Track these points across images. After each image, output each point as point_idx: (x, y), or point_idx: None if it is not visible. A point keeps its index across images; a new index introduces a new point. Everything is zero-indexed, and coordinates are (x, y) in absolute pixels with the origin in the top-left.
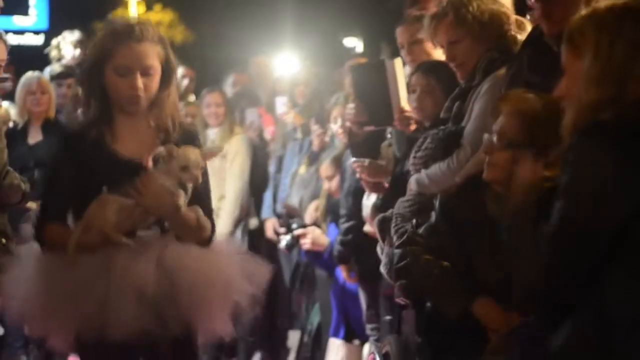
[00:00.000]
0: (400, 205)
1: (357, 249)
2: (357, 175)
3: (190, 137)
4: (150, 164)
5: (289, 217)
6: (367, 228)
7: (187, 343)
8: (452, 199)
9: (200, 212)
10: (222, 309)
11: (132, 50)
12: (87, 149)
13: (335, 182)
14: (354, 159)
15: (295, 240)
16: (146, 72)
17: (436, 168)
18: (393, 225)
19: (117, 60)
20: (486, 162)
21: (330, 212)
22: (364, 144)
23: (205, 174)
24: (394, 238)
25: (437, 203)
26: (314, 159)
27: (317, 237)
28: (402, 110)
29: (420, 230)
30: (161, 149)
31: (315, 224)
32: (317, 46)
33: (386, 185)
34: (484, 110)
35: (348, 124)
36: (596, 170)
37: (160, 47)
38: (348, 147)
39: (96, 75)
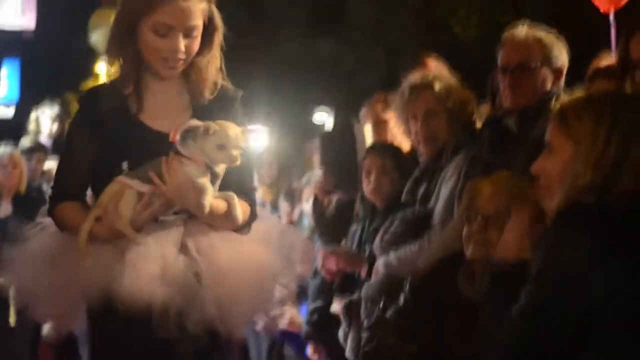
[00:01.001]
0: (368, 288)
1: (324, 329)
2: (322, 263)
3: (228, 102)
4: (177, 138)
5: None
6: (334, 309)
7: (209, 347)
8: (424, 281)
9: (234, 199)
10: (251, 310)
11: (176, 6)
12: (109, 116)
13: (307, 265)
14: (324, 246)
15: (273, 320)
16: (189, 33)
17: (406, 250)
18: (362, 309)
19: (158, 17)
20: (473, 241)
21: (302, 293)
22: (330, 222)
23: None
24: (364, 322)
25: (407, 285)
26: None
27: (294, 316)
28: None
29: (389, 313)
30: (192, 123)
31: (283, 301)
32: (286, 121)
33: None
34: (452, 192)
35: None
36: (568, 255)
37: (206, 3)
38: (314, 222)
39: (128, 31)
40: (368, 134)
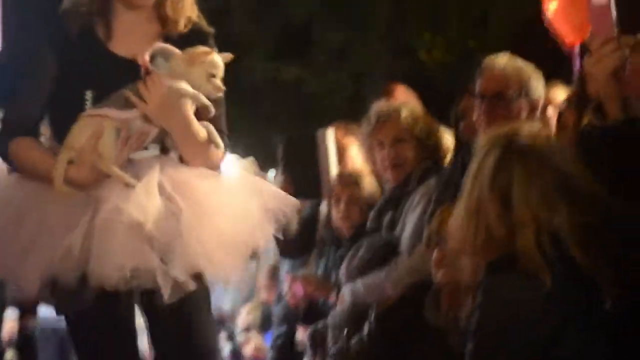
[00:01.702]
0: (334, 315)
1: (288, 355)
2: (288, 288)
3: (202, 38)
4: (146, 60)
5: (218, 323)
6: (299, 337)
7: (194, 290)
8: (391, 308)
9: (212, 128)
10: (237, 249)
11: None
12: (74, 39)
13: (272, 292)
14: (291, 272)
15: (239, 347)
16: None
17: (374, 277)
18: (329, 336)
19: None
20: (443, 267)
21: (267, 320)
22: (294, 241)
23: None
24: (330, 349)
25: (372, 313)
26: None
27: (259, 343)
28: (332, 181)
29: (354, 341)
30: (161, 44)
31: (248, 328)
32: (248, 148)
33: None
34: (420, 218)
35: None
36: (499, 309)
37: None
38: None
39: None
40: (331, 138)
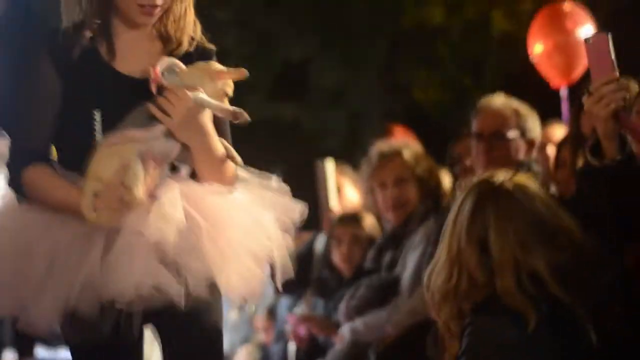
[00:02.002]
0: (333, 355)
1: None
2: (292, 329)
3: (206, 57)
4: (159, 74)
5: None
6: None
7: (209, 304)
8: (391, 347)
9: (227, 143)
10: (253, 262)
11: None
12: (77, 59)
13: (270, 333)
14: (292, 312)
15: None
16: None
17: (374, 316)
18: None
19: None
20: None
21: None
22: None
23: None
24: None
25: (372, 353)
26: (243, 304)
27: None
28: (330, 212)
29: None
30: (170, 59)
31: None
32: None
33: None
34: (421, 258)
35: None
36: (486, 350)
37: None
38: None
39: None
40: (330, 168)
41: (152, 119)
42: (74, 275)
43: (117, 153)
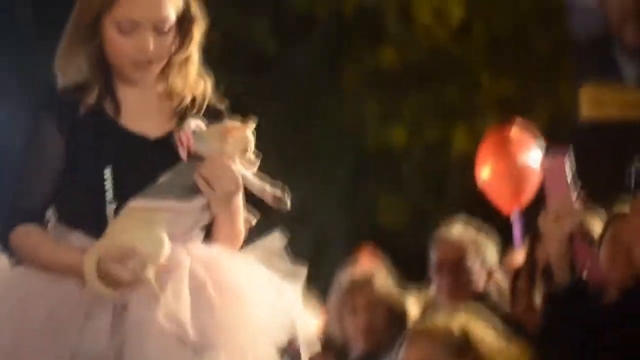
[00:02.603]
0: None
1: None
2: None
3: (217, 117)
4: (189, 136)
5: None
6: None
7: None
8: None
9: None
10: (273, 340)
11: None
12: (85, 119)
13: None
14: None
15: None
16: (160, 28)
17: None
18: None
19: (120, 11)
20: None
21: None
22: None
23: None
24: None
25: None
26: None
27: None
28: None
29: None
30: (195, 122)
31: None
32: None
33: None
34: None
35: None
36: None
37: None
38: None
39: (91, 30)
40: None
41: (191, 188)
42: (67, 347)
43: (143, 219)
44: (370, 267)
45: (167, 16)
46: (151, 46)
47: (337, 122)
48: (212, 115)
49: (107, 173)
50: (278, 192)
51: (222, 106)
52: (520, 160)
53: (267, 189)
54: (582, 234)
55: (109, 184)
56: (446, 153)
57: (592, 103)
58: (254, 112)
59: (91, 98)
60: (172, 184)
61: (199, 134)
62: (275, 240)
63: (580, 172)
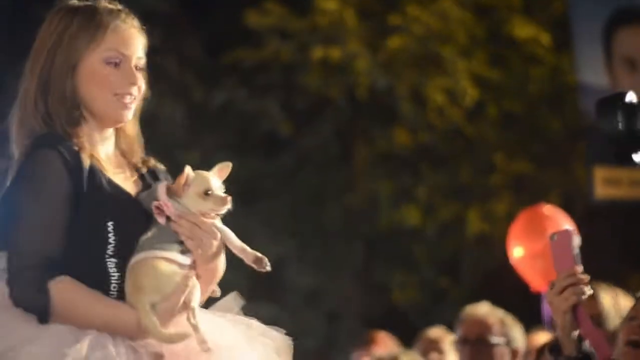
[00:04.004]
0: None
1: None
2: None
3: (162, 173)
4: (171, 208)
5: None
6: None
7: None
8: None
9: None
10: None
11: (124, 32)
12: (83, 173)
13: None
14: None
15: None
16: (138, 65)
17: None
18: None
19: (108, 45)
20: None
21: None
22: None
23: None
24: None
25: None
26: None
27: None
28: None
29: None
30: (164, 184)
31: None
32: None
33: None
34: None
35: None
36: None
37: (144, 39)
38: None
39: (67, 73)
40: None
41: (183, 247)
42: None
43: (178, 272)
44: (389, 350)
45: (142, 55)
46: (138, 77)
47: (350, 203)
48: (156, 176)
49: (110, 227)
50: (259, 254)
51: (162, 167)
52: None
53: (247, 249)
54: (587, 307)
55: (112, 238)
56: (460, 233)
57: (606, 183)
58: (267, 193)
59: (83, 143)
60: (168, 240)
61: (171, 196)
62: (232, 301)
63: (592, 249)
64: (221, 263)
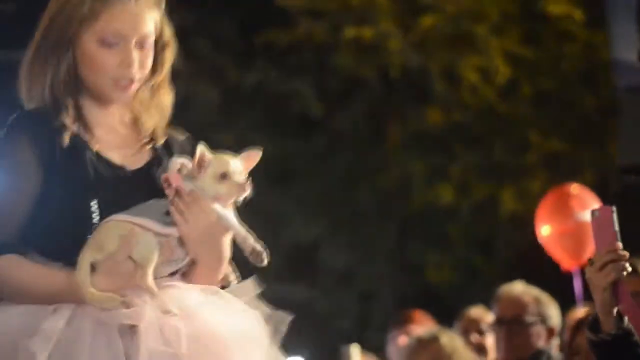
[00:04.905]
0: None
1: None
2: None
3: (187, 145)
4: (178, 181)
5: None
6: None
7: None
8: None
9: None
10: None
11: (127, 10)
12: (62, 147)
13: None
14: None
15: None
16: (143, 43)
17: None
18: None
19: (103, 24)
20: None
21: None
22: None
23: None
24: None
25: None
26: None
27: None
28: None
29: None
30: (179, 160)
31: None
32: None
33: None
34: None
35: None
36: None
37: (157, 11)
38: None
39: (64, 47)
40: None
41: (168, 219)
42: None
43: (122, 228)
44: (436, 329)
45: (149, 32)
46: (136, 60)
47: (383, 182)
48: (183, 149)
49: (94, 206)
50: (258, 247)
51: (184, 138)
52: (582, 217)
53: (249, 240)
54: (627, 284)
55: (96, 217)
56: (494, 212)
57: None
58: (300, 175)
59: (65, 121)
60: (151, 210)
61: (185, 173)
62: (249, 287)
63: (627, 226)
64: (224, 247)
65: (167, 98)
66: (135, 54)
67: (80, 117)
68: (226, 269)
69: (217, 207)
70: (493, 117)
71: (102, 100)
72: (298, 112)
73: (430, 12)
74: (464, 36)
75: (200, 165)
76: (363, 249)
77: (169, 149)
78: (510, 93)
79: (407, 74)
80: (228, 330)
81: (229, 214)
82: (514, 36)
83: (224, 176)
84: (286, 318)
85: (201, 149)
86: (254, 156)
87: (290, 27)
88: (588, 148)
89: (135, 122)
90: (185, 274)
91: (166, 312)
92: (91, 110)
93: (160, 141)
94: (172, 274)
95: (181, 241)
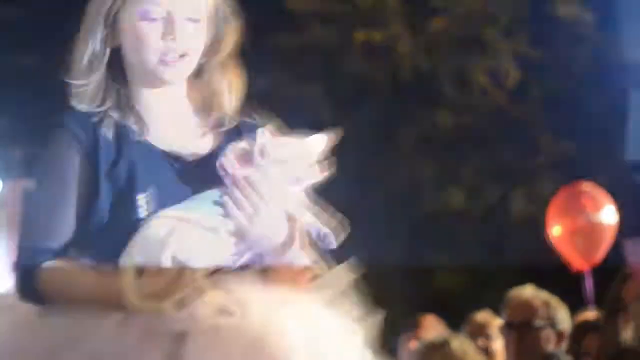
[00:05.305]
0: None
1: None
2: None
3: (244, 132)
4: (235, 167)
5: None
6: None
7: None
8: None
9: None
10: None
11: None
12: (104, 136)
13: None
14: None
15: None
16: (192, 16)
17: None
18: None
19: None
20: None
21: None
22: None
23: None
24: None
25: None
26: None
27: None
28: None
29: None
30: (241, 145)
31: None
32: None
33: None
34: None
35: None
36: None
37: None
38: None
39: (108, 26)
40: None
41: (223, 210)
42: None
43: (170, 224)
44: (442, 331)
45: (199, 4)
46: (181, 34)
47: (393, 185)
48: (246, 130)
49: (142, 200)
50: (325, 229)
51: (254, 120)
52: (593, 217)
53: (316, 224)
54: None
55: (143, 213)
56: (505, 215)
57: None
58: None
59: (112, 110)
60: (205, 202)
61: (248, 160)
62: (344, 274)
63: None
64: (290, 238)
65: (236, 77)
66: (182, 26)
67: (127, 104)
68: (306, 261)
69: (279, 193)
70: (503, 120)
71: (152, 82)
72: (307, 116)
73: (440, 15)
74: (474, 39)
75: (262, 150)
76: (372, 254)
77: (239, 134)
78: (520, 95)
79: (417, 76)
80: (296, 337)
81: (294, 199)
82: (523, 38)
83: (284, 163)
84: (379, 319)
85: (263, 132)
86: (328, 139)
87: (300, 31)
88: (598, 149)
89: (200, 105)
90: (262, 271)
91: (221, 312)
92: (141, 95)
93: (230, 125)
94: (239, 269)
95: (240, 234)
